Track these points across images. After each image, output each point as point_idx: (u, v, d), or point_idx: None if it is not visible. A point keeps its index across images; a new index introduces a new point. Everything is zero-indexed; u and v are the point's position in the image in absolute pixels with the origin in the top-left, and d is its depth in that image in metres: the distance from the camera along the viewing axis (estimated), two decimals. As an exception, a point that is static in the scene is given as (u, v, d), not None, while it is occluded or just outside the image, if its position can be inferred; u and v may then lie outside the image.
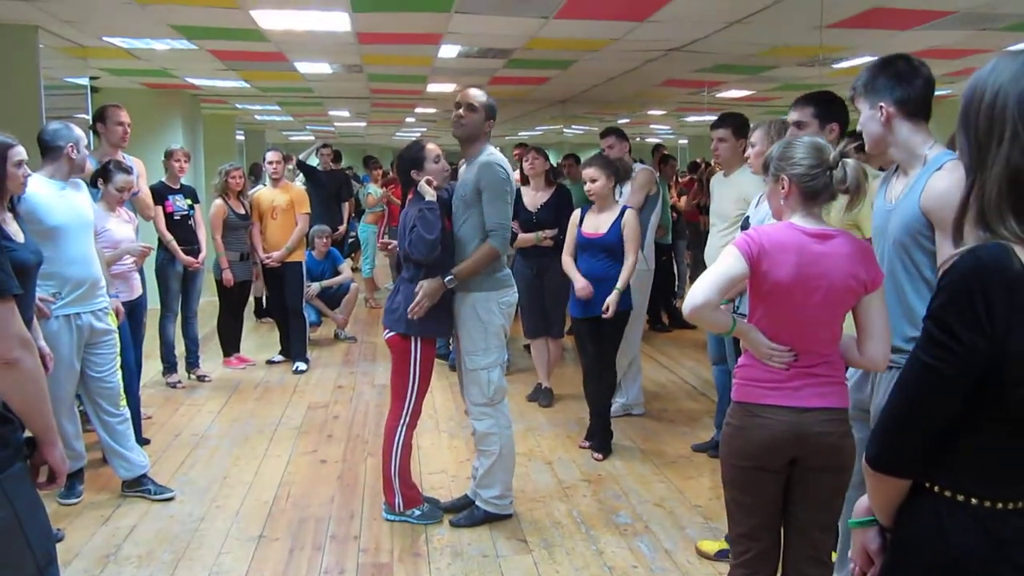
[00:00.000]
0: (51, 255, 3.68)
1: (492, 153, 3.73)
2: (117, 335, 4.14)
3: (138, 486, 4.14)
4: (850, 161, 2.34)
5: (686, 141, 22.06)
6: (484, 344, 3.72)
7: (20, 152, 3.30)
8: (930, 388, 1.38)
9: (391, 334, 3.78)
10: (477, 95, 3.74)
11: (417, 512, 3.88)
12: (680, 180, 10.88)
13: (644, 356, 7.11)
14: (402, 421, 3.81)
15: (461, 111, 3.75)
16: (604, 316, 4.62)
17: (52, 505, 4.04)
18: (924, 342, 1.38)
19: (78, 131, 3.95)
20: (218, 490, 4.30)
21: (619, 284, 4.64)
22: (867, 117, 2.50)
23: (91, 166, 4.95)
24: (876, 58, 2.56)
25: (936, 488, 1.43)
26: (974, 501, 1.39)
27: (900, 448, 1.44)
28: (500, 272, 3.77)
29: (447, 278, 3.63)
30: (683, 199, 9.83)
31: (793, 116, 3.16)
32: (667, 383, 6.51)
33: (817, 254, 2.30)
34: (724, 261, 2.31)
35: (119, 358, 4.16)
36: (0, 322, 1.80)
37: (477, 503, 3.88)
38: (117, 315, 4.25)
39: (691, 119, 15.02)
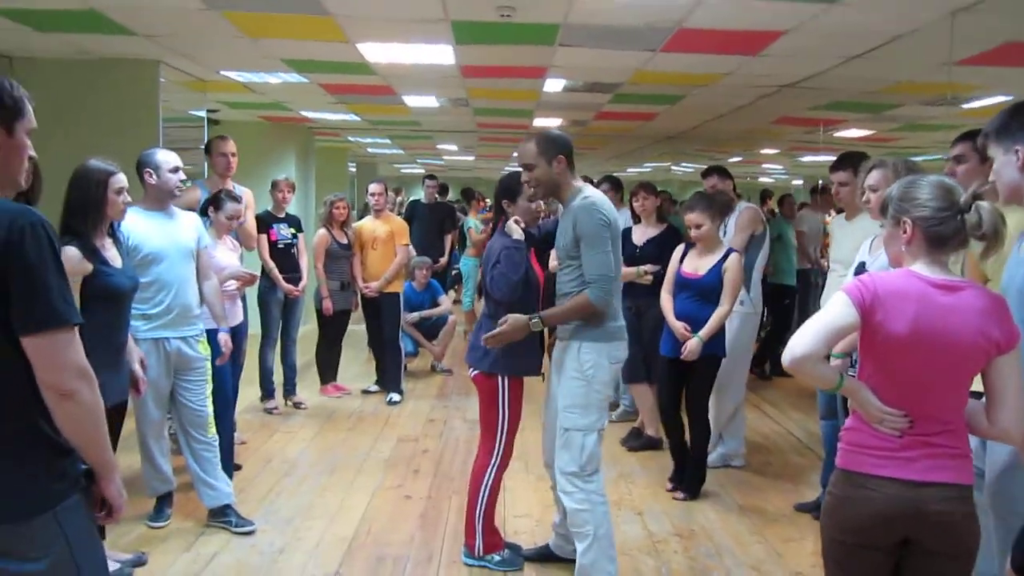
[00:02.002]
0: (145, 280, 3.78)
1: (587, 196, 3.33)
2: (208, 363, 4.16)
3: (221, 516, 4.13)
4: (985, 204, 2.08)
5: (801, 182, 21.41)
6: (584, 401, 3.30)
7: (121, 180, 3.38)
8: None
9: (475, 372, 3.67)
10: (526, 150, 3.38)
11: (497, 558, 3.72)
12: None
13: (748, 405, 6.78)
14: (492, 461, 3.66)
15: (525, 176, 3.46)
16: (682, 358, 4.48)
17: (140, 528, 4.09)
18: None
19: (162, 156, 3.98)
20: (301, 521, 4.25)
21: (703, 331, 4.49)
22: (1002, 163, 2.26)
23: (201, 195, 5.09)
24: (1011, 99, 2.32)
25: None
26: None
27: None
28: (612, 322, 3.35)
29: (533, 319, 3.38)
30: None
31: (954, 151, 3.10)
32: (771, 434, 6.16)
33: (942, 307, 2.05)
34: (832, 309, 2.09)
35: (210, 385, 4.18)
36: (60, 353, 1.76)
37: None
38: (225, 348, 4.28)
39: (806, 159, 14.51)
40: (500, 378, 3.60)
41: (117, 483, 1.94)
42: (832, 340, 2.09)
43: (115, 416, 3.49)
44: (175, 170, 3.96)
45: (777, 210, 9.40)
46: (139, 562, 3.67)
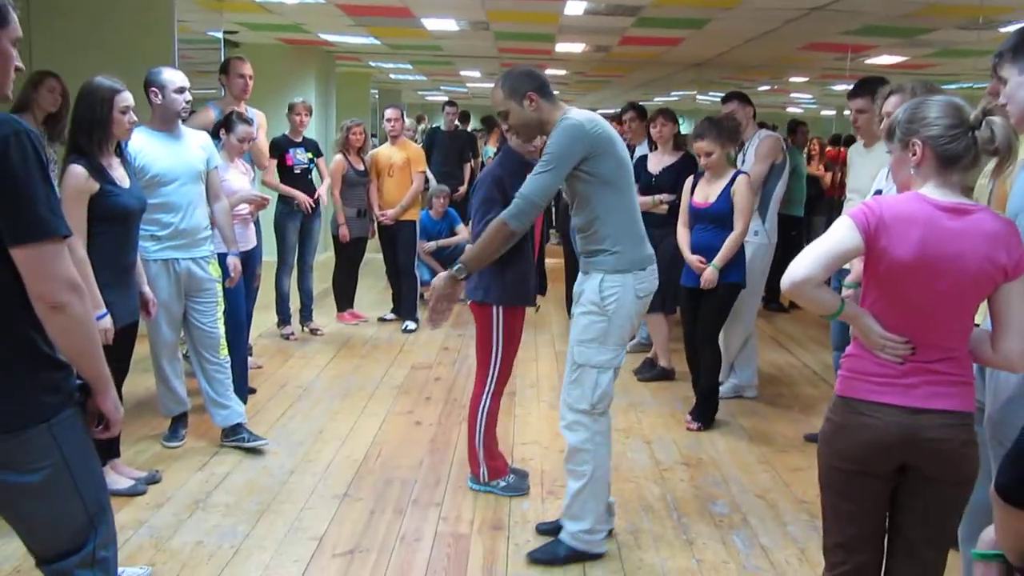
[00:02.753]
0: (153, 202, 3.77)
1: (566, 117, 3.01)
2: (220, 284, 4.18)
3: (234, 435, 4.20)
4: (996, 119, 2.00)
5: (833, 112, 20.90)
6: (602, 337, 3.04)
7: (127, 98, 3.34)
8: None
9: (470, 301, 3.66)
10: (495, 96, 3.14)
11: (502, 483, 3.75)
12: (827, 151, 10.22)
13: (763, 336, 6.75)
14: (487, 389, 3.66)
15: (505, 127, 3.36)
16: (702, 287, 4.44)
17: (155, 447, 4.17)
18: None
19: (167, 76, 3.91)
20: (312, 444, 4.32)
21: (716, 259, 4.43)
22: (1017, 84, 2.15)
23: (215, 116, 5.04)
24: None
25: None
26: None
27: None
28: (637, 250, 3.07)
29: (456, 269, 3.09)
30: (828, 174, 9.21)
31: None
32: (785, 366, 6.13)
33: (950, 231, 1.98)
34: (835, 233, 2.03)
35: (222, 307, 4.21)
36: (48, 264, 1.75)
37: (561, 536, 3.20)
38: (234, 272, 4.31)
39: (838, 87, 14.11)
40: (494, 308, 3.58)
41: (113, 396, 1.94)
42: (834, 265, 2.03)
43: (126, 337, 3.53)
44: (180, 90, 3.90)
45: (788, 139, 9.17)
46: (153, 480, 3.75)
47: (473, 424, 3.72)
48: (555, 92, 3.17)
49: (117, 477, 3.62)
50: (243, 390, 4.82)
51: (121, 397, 3.63)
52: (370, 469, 4.02)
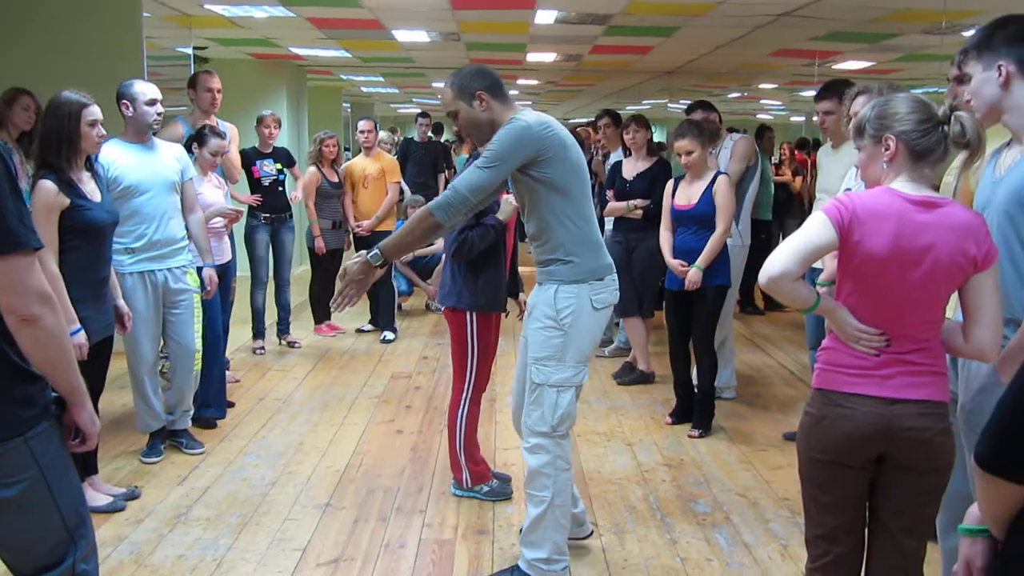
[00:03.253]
0: (127, 213, 3.78)
1: (514, 118, 2.86)
2: (196, 296, 4.17)
3: (175, 438, 4.31)
4: (963, 113, 2.05)
5: (802, 118, 21.17)
6: (559, 353, 2.87)
7: (95, 112, 3.32)
8: None
9: (444, 307, 3.71)
10: (444, 96, 3.00)
11: (485, 488, 3.75)
12: (795, 156, 10.35)
13: (740, 338, 6.82)
14: (464, 395, 3.68)
15: (456, 129, 3.40)
16: (687, 289, 4.46)
17: (133, 463, 4.13)
18: None
19: (138, 88, 3.93)
20: (292, 455, 4.29)
21: (700, 259, 4.45)
22: (981, 80, 2.21)
23: (184, 131, 5.02)
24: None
25: None
26: None
27: (1018, 447, 1.22)
28: (594, 260, 2.92)
29: (371, 254, 2.80)
30: (799, 179, 9.32)
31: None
32: (762, 367, 6.19)
33: (920, 224, 2.02)
34: (810, 228, 2.06)
35: (199, 318, 4.21)
36: (19, 277, 1.73)
37: (519, 563, 3.00)
38: (210, 284, 4.31)
39: (806, 93, 14.30)
40: (467, 313, 3.60)
41: (88, 409, 1.93)
42: (809, 259, 2.06)
43: (101, 351, 3.50)
44: (152, 103, 3.90)
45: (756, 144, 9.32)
46: (132, 496, 3.71)
47: (453, 431, 3.72)
48: (510, 92, 3.03)
49: (95, 494, 3.57)
50: (221, 404, 4.80)
51: (97, 412, 3.61)
52: (352, 478, 4.01)
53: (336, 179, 6.74)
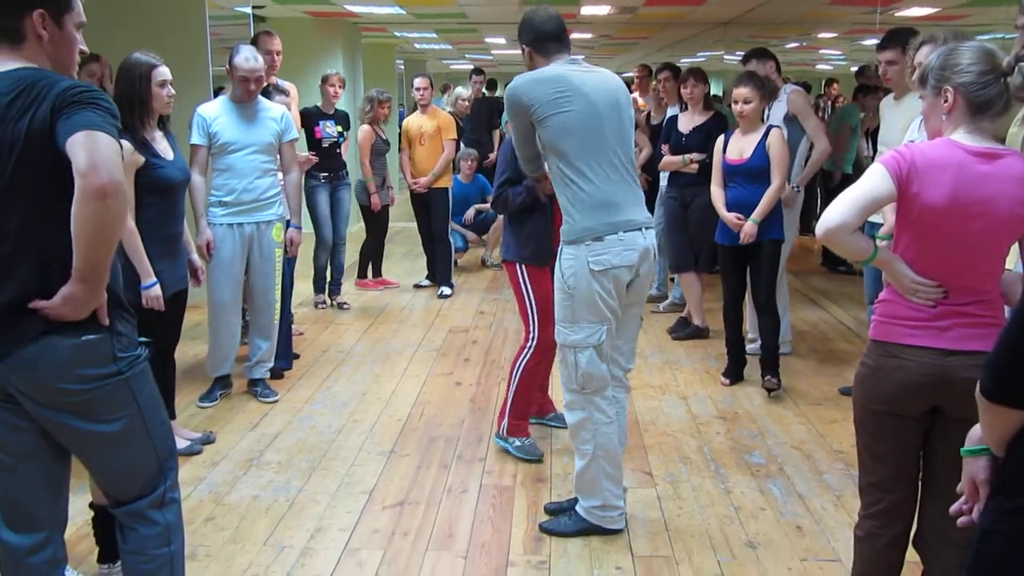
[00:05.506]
0: (222, 167, 4.15)
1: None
2: (279, 251, 4.39)
3: (252, 386, 4.58)
4: None
5: (879, 60, 20.55)
6: (570, 315, 2.92)
7: (164, 72, 3.44)
8: None
9: (502, 260, 3.83)
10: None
11: (517, 443, 3.78)
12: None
13: (797, 294, 6.80)
14: (528, 346, 3.71)
15: None
16: (743, 242, 4.45)
17: (207, 411, 4.33)
18: None
19: (237, 59, 4.19)
20: (356, 405, 4.46)
21: (756, 212, 4.42)
22: None
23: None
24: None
25: None
26: None
27: (1017, 378, 1.34)
28: (592, 219, 2.85)
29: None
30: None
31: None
32: (819, 322, 6.17)
33: (980, 175, 2.03)
34: (869, 179, 2.08)
35: (279, 274, 4.45)
36: (102, 148, 1.77)
37: (576, 509, 3.13)
38: (291, 245, 4.52)
39: (868, 42, 13.90)
40: (517, 265, 3.67)
41: (84, 289, 1.86)
42: (867, 211, 2.08)
43: (176, 304, 3.66)
44: (243, 80, 4.18)
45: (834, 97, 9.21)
46: (208, 440, 3.91)
47: (510, 379, 3.79)
48: (562, 42, 3.03)
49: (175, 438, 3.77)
50: (288, 355, 4.99)
51: (175, 363, 3.81)
52: (414, 427, 4.15)
53: (385, 136, 6.85)
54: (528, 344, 3.72)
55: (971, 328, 2.08)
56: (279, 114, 4.37)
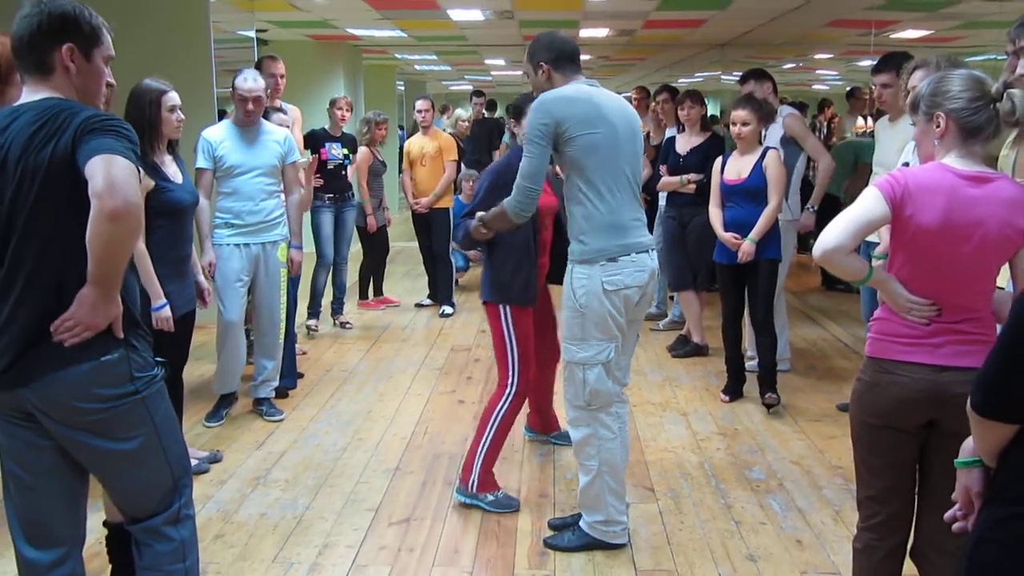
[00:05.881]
0: (228, 191, 4.24)
1: (545, 92, 2.99)
2: (283, 271, 4.47)
3: (258, 405, 4.64)
4: (1016, 91, 2.11)
5: (873, 83, 20.73)
6: (580, 333, 2.98)
7: (173, 98, 3.52)
8: None
9: (483, 301, 3.58)
10: (525, 56, 3.14)
11: (490, 497, 3.49)
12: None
13: (796, 312, 6.86)
14: (506, 395, 3.46)
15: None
16: (741, 260, 4.52)
17: (214, 430, 4.38)
18: None
19: (239, 80, 4.29)
20: (361, 423, 4.51)
21: (753, 232, 4.49)
22: None
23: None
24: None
25: None
26: None
27: (1006, 394, 1.42)
28: (607, 240, 2.94)
29: (478, 216, 3.24)
30: None
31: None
32: (818, 340, 6.23)
33: (971, 199, 2.10)
34: (864, 203, 2.15)
35: (284, 293, 4.51)
36: (117, 171, 1.83)
37: (580, 523, 3.19)
38: (292, 265, 4.58)
39: (863, 63, 14.05)
40: (500, 307, 3.46)
41: (97, 296, 1.92)
42: (862, 233, 2.15)
43: (185, 325, 3.72)
44: (242, 100, 4.27)
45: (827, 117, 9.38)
46: (215, 459, 3.96)
47: (483, 428, 3.49)
48: (577, 64, 3.07)
49: (182, 457, 3.83)
50: (292, 374, 5.05)
51: (183, 384, 3.86)
52: (418, 445, 4.21)
53: (383, 157, 6.94)
54: (507, 391, 3.46)
55: (964, 345, 2.15)
56: (282, 136, 4.45)
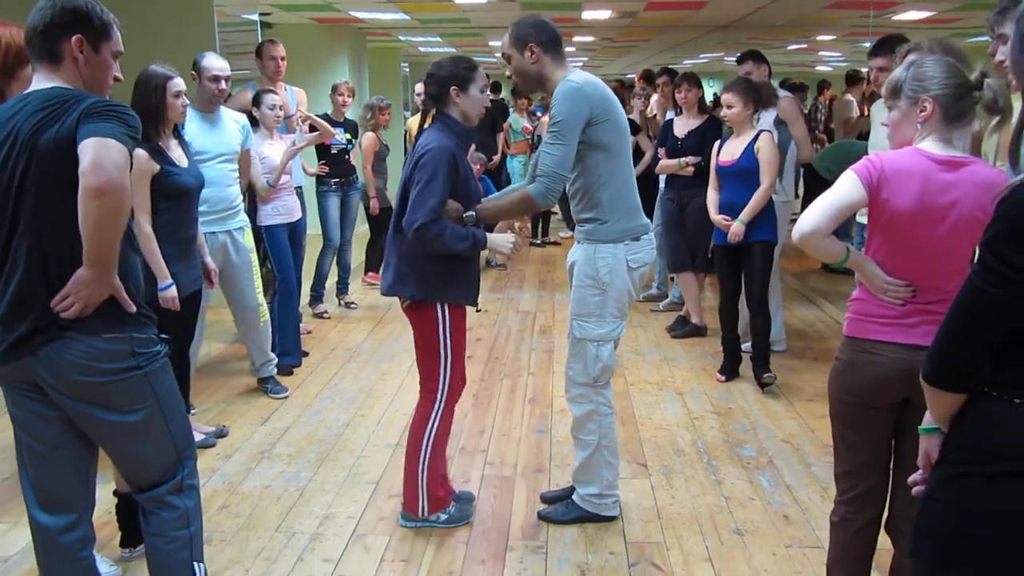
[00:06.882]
0: None
1: (568, 79, 2.93)
2: (252, 255, 4.45)
3: (264, 383, 4.74)
4: (992, 80, 2.19)
5: (868, 70, 20.66)
6: (598, 311, 3.04)
7: (178, 84, 3.60)
8: (981, 311, 1.46)
9: (407, 302, 3.09)
10: (504, 39, 3.05)
11: (443, 516, 3.24)
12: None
13: (794, 293, 6.95)
14: (436, 408, 3.16)
15: (507, 73, 3.14)
16: (731, 242, 4.60)
17: (220, 406, 4.51)
18: (979, 267, 1.43)
19: (206, 63, 4.27)
20: (363, 400, 4.62)
21: (743, 214, 4.56)
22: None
23: (252, 96, 5.30)
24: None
25: (990, 391, 1.53)
26: (1017, 400, 1.49)
27: (952, 367, 1.54)
28: (629, 221, 3.03)
29: (467, 214, 2.98)
30: None
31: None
32: (815, 321, 6.31)
33: (945, 183, 2.18)
34: (841, 187, 2.23)
35: (257, 276, 4.52)
36: (106, 150, 1.92)
37: (573, 498, 3.29)
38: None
39: (867, 45, 14.03)
40: (439, 306, 3.06)
41: (94, 277, 2.01)
42: (840, 216, 2.23)
43: (191, 304, 3.82)
44: (214, 79, 4.23)
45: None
46: (221, 434, 4.08)
47: (416, 452, 3.16)
48: (561, 49, 3.05)
49: (189, 432, 3.94)
50: (297, 353, 5.16)
51: (190, 362, 3.97)
52: (418, 422, 4.31)
53: (386, 141, 7.05)
54: (436, 406, 3.16)
55: (937, 325, 2.22)
56: (242, 121, 4.47)
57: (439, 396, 3.16)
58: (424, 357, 3.17)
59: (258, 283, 4.52)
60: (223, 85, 4.27)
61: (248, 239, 4.45)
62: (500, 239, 3.12)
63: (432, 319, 3.07)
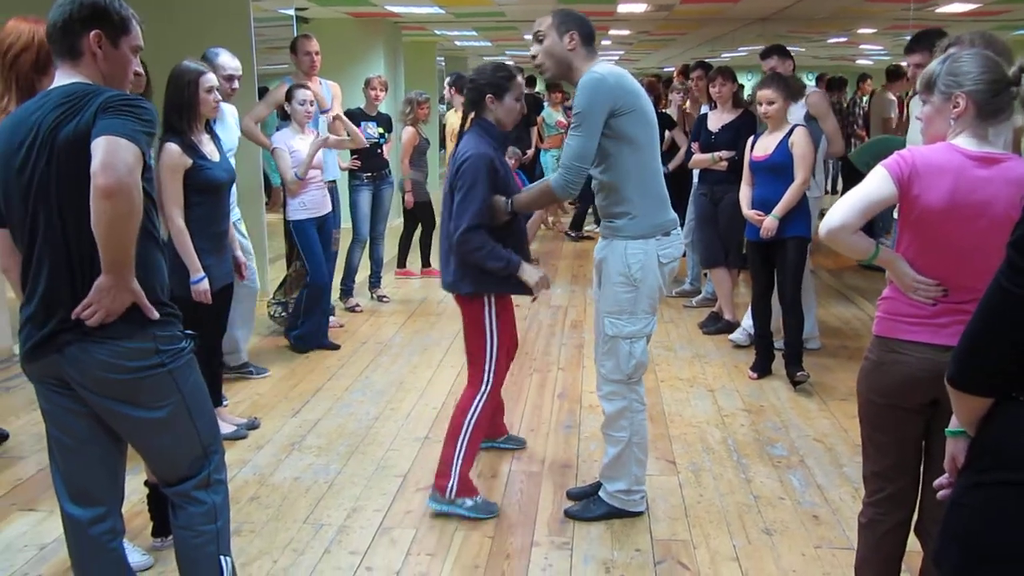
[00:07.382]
0: None
1: (594, 71, 2.91)
2: (249, 241, 4.55)
3: (243, 368, 4.92)
4: None
5: (906, 63, 20.28)
6: (631, 307, 3.03)
7: (211, 79, 3.65)
8: (1007, 311, 1.41)
9: (456, 295, 3.26)
10: (542, 19, 3.03)
11: (469, 503, 3.27)
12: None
13: (829, 290, 6.86)
14: (480, 396, 3.25)
15: (533, 50, 3.08)
16: (763, 236, 4.55)
17: (253, 397, 4.55)
18: (1006, 267, 1.40)
19: (222, 59, 4.34)
20: (394, 393, 4.65)
21: (776, 208, 4.51)
22: None
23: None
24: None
25: (1018, 396, 1.47)
26: None
27: (978, 368, 1.49)
28: (658, 216, 3.03)
29: (506, 200, 3.09)
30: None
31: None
32: (851, 319, 6.22)
33: (979, 179, 2.13)
34: (871, 182, 2.19)
35: (255, 266, 4.56)
36: (117, 150, 1.91)
37: (600, 494, 3.28)
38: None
39: (909, 38, 13.75)
40: (486, 298, 3.19)
41: (112, 282, 2.01)
42: (869, 212, 2.19)
43: (223, 297, 3.87)
44: (229, 78, 4.32)
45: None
46: (253, 426, 4.13)
47: (457, 432, 3.25)
48: (601, 42, 3.20)
49: (221, 423, 3.97)
50: (326, 345, 5.29)
51: (222, 353, 4.02)
52: (448, 415, 4.25)
53: (425, 135, 7.09)
54: (482, 391, 3.26)
55: (968, 325, 2.18)
56: (236, 115, 4.55)
57: (484, 385, 3.26)
58: (472, 346, 3.29)
59: (255, 267, 4.58)
60: (235, 84, 4.36)
61: (245, 228, 4.58)
62: (531, 269, 3.15)
63: (480, 304, 3.21)
